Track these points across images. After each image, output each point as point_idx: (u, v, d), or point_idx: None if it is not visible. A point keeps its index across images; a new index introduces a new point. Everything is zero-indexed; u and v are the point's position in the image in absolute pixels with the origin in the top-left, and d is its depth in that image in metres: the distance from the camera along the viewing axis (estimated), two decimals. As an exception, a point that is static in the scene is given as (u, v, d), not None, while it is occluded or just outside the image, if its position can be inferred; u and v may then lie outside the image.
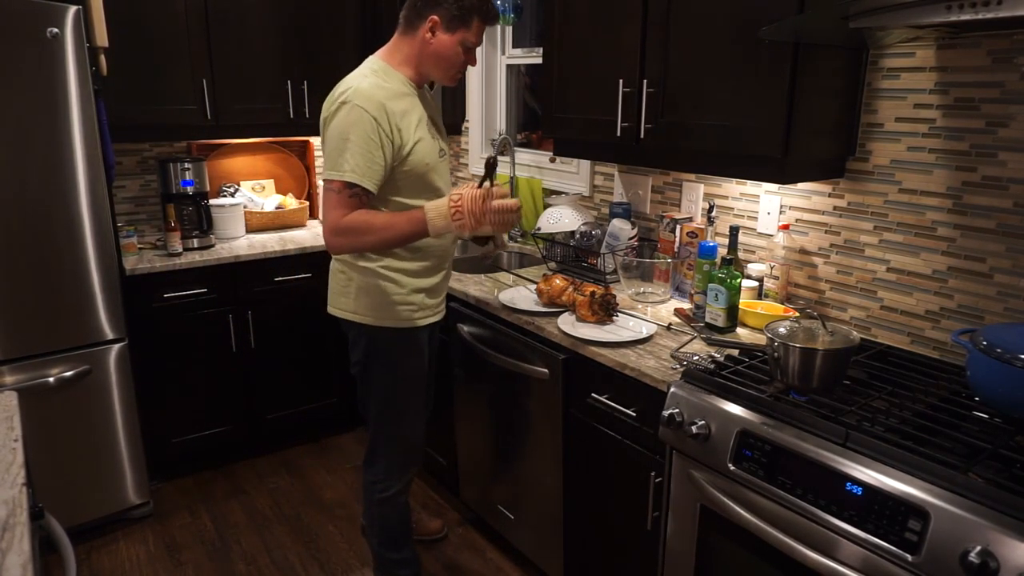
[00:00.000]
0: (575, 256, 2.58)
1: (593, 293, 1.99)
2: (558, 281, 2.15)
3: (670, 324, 2.01)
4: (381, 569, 2.21)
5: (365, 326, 1.95)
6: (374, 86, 1.78)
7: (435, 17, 1.81)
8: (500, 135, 3.15)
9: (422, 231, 1.77)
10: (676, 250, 2.26)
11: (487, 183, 1.77)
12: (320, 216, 1.76)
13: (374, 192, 1.77)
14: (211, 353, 2.90)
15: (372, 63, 1.88)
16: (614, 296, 2.01)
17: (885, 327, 1.86)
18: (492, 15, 1.89)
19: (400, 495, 2.11)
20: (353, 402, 3.29)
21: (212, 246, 2.99)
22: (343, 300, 1.97)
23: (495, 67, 3.27)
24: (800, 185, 2.01)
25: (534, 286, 2.25)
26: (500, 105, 3.28)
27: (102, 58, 2.42)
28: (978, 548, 1.08)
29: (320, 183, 3.45)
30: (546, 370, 2.01)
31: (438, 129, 1.98)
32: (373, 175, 1.75)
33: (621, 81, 1.99)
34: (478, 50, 1.96)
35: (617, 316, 2.02)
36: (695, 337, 1.89)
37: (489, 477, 2.44)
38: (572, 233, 2.57)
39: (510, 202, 1.75)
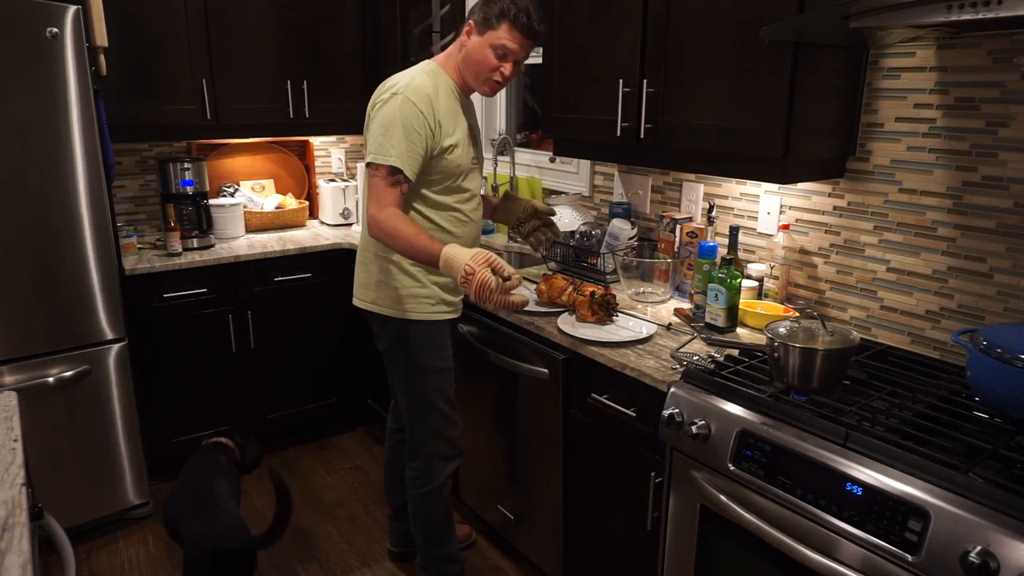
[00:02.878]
0: (575, 256, 2.58)
1: (593, 293, 1.99)
2: (558, 281, 2.14)
3: (670, 324, 2.01)
4: (427, 568, 2.19)
5: (386, 317, 1.98)
6: (425, 83, 1.85)
7: (471, 21, 1.89)
8: (500, 135, 3.15)
9: (433, 263, 1.77)
10: (676, 250, 2.26)
11: (504, 279, 1.68)
12: (367, 197, 1.83)
13: (412, 181, 1.82)
14: (211, 353, 2.90)
15: (426, 65, 1.94)
16: (614, 296, 2.01)
17: (885, 327, 1.86)
18: (523, 23, 1.85)
19: (442, 488, 2.12)
20: (353, 401, 3.32)
21: (212, 246, 2.99)
22: (365, 291, 2.02)
23: (495, 67, 3.27)
24: (800, 185, 2.01)
25: (534, 286, 2.25)
26: (500, 105, 3.28)
27: (102, 58, 2.42)
28: (978, 548, 1.08)
29: (320, 183, 3.46)
30: (546, 370, 2.01)
31: (475, 138, 2.04)
32: (413, 164, 1.80)
33: (621, 81, 1.99)
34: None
35: (617, 316, 2.02)
36: (695, 337, 1.89)
37: (489, 477, 2.44)
38: (572, 233, 2.57)
39: (518, 299, 1.70)
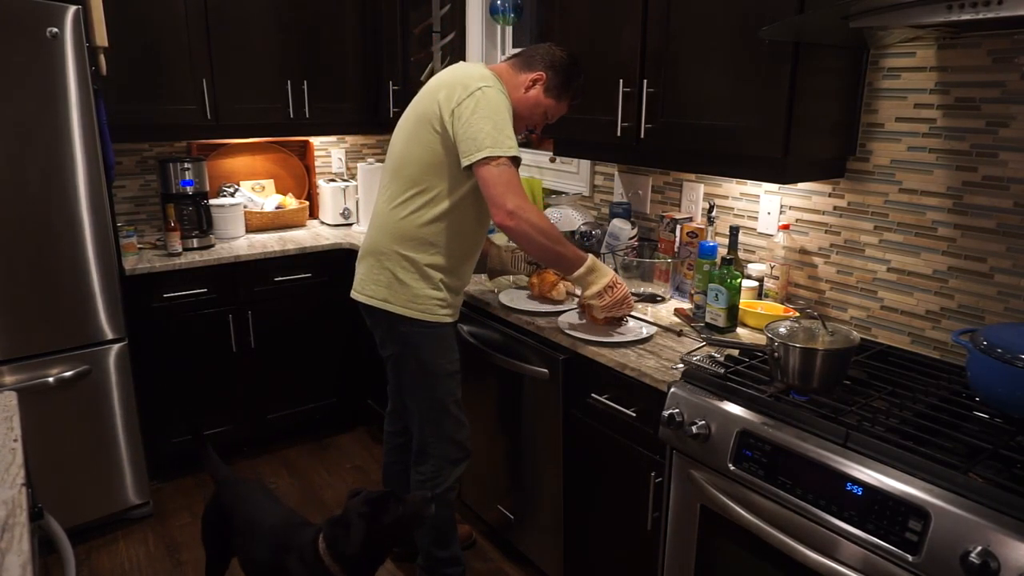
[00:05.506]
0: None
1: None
2: (549, 276, 2.15)
3: (681, 331, 2.00)
4: (429, 569, 2.18)
5: (396, 318, 1.94)
6: (497, 79, 1.86)
7: (543, 75, 1.92)
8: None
9: (573, 265, 1.84)
10: (676, 250, 2.26)
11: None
12: (492, 191, 1.75)
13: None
14: (211, 353, 2.90)
15: (488, 70, 1.89)
16: None
17: (885, 327, 1.86)
18: (575, 106, 2.04)
19: (450, 491, 2.11)
20: (353, 401, 3.32)
21: (212, 246, 2.99)
22: (375, 288, 1.97)
23: (495, 67, 3.27)
24: (800, 185, 2.01)
25: (526, 280, 2.25)
26: (500, 105, 3.28)
27: (102, 58, 2.42)
28: (979, 548, 1.08)
29: (320, 183, 3.46)
30: (546, 370, 2.01)
31: None
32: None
33: (621, 81, 1.99)
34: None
35: (628, 321, 1.99)
36: (704, 344, 1.86)
37: (489, 477, 2.44)
38: (572, 233, 2.57)
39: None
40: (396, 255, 1.93)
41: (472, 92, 1.77)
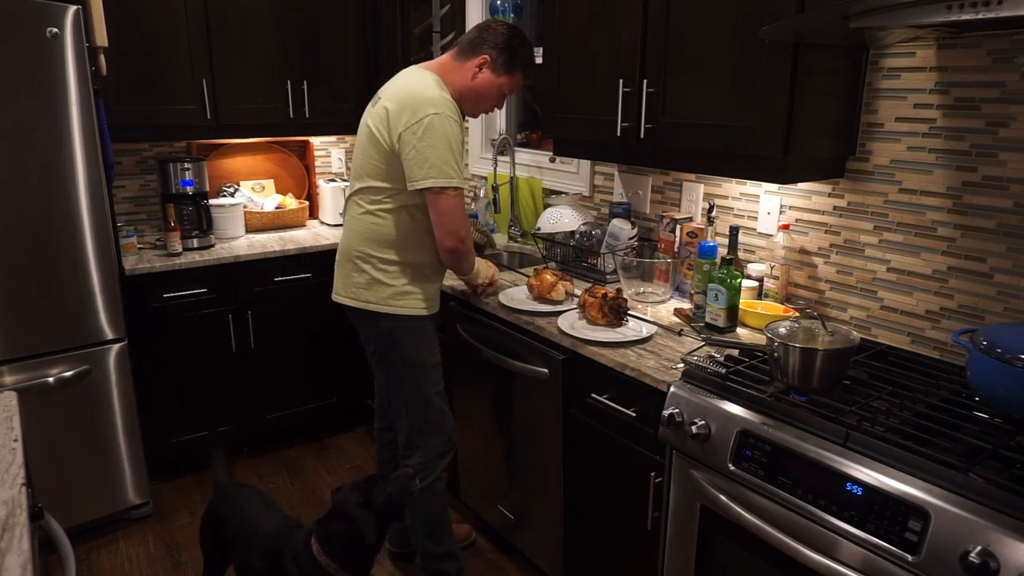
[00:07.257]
0: (575, 256, 2.58)
1: (605, 295, 1.97)
2: (547, 276, 2.15)
3: (681, 330, 2.00)
4: (427, 567, 2.19)
5: (378, 315, 2.01)
6: (449, 99, 1.91)
7: (487, 56, 1.97)
8: (500, 135, 3.15)
9: (473, 267, 2.12)
10: (676, 250, 2.26)
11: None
12: (445, 218, 1.92)
13: None
14: (211, 353, 2.90)
15: (433, 78, 1.95)
16: (625, 300, 1.98)
17: (885, 327, 1.86)
18: (532, 72, 2.11)
19: (439, 481, 2.14)
20: (353, 401, 3.32)
21: (212, 246, 2.99)
22: (355, 291, 2.04)
23: (495, 67, 3.26)
24: (800, 185, 2.01)
25: (526, 280, 2.25)
26: (500, 105, 3.28)
27: (102, 58, 2.42)
28: (978, 548, 1.08)
29: (320, 183, 3.46)
30: (546, 370, 2.01)
31: None
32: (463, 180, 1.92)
33: (621, 81, 1.99)
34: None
35: (628, 320, 2.00)
36: (703, 344, 1.87)
37: (489, 477, 2.44)
38: (572, 233, 2.57)
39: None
40: (367, 255, 2.00)
41: (420, 119, 1.84)
